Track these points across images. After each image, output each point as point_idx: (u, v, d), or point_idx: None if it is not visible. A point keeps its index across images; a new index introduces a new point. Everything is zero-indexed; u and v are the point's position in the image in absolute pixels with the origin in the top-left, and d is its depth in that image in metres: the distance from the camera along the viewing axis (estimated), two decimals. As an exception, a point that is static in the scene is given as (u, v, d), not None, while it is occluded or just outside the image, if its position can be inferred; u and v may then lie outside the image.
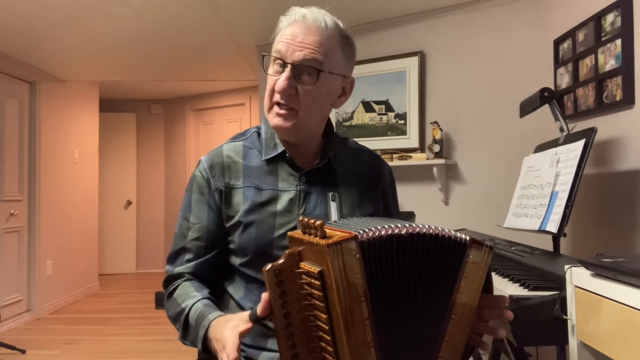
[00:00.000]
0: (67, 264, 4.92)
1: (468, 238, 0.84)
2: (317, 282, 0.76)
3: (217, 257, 1.12)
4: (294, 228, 1.06)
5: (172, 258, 1.14)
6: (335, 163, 1.14)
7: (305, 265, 0.79)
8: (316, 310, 0.79)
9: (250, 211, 1.07)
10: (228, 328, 0.86)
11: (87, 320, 4.39)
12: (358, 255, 0.75)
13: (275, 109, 1.06)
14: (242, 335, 0.83)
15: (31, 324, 4.31)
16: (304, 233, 0.81)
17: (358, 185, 1.15)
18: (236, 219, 1.07)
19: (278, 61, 1.04)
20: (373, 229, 0.79)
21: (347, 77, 1.11)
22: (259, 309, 0.82)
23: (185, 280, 1.10)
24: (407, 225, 0.81)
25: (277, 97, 1.05)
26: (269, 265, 0.80)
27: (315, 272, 0.76)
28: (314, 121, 1.11)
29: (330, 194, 1.11)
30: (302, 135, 1.11)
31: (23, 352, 3.47)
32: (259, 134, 1.17)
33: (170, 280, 1.12)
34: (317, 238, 0.77)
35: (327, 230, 0.79)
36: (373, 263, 0.78)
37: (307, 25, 1.03)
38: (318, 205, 1.09)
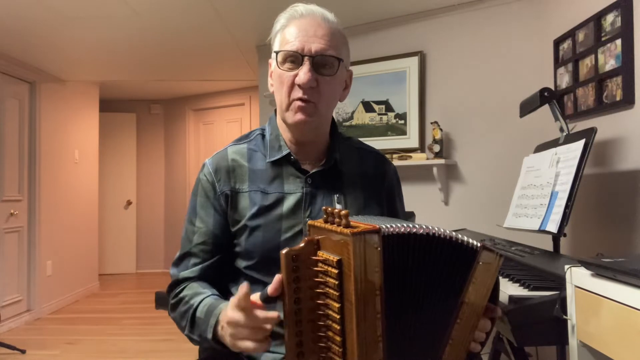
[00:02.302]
0: (67, 264, 4.92)
1: (479, 244, 0.85)
2: (335, 271, 0.76)
3: (223, 261, 1.12)
4: (300, 232, 1.06)
5: (177, 262, 1.14)
6: (340, 164, 1.14)
7: (323, 254, 0.79)
8: (329, 299, 0.79)
9: (256, 215, 1.07)
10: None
11: (87, 320, 4.39)
12: (379, 249, 0.76)
13: (296, 103, 1.05)
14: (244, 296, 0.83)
15: (31, 324, 4.31)
16: (326, 222, 0.82)
17: (364, 186, 1.15)
18: (242, 222, 1.08)
19: (291, 57, 1.04)
20: (394, 225, 0.80)
21: (348, 70, 1.14)
22: (270, 287, 0.83)
23: (192, 282, 1.10)
24: (424, 226, 0.83)
25: (298, 93, 1.04)
26: (287, 249, 0.80)
27: (334, 260, 0.76)
28: (329, 115, 1.12)
29: (335, 195, 1.10)
30: (319, 132, 1.12)
31: (23, 352, 3.47)
32: (263, 136, 1.16)
33: (175, 284, 1.12)
34: (341, 227, 0.77)
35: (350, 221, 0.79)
36: (391, 258, 0.78)
37: (316, 19, 1.06)
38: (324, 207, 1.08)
